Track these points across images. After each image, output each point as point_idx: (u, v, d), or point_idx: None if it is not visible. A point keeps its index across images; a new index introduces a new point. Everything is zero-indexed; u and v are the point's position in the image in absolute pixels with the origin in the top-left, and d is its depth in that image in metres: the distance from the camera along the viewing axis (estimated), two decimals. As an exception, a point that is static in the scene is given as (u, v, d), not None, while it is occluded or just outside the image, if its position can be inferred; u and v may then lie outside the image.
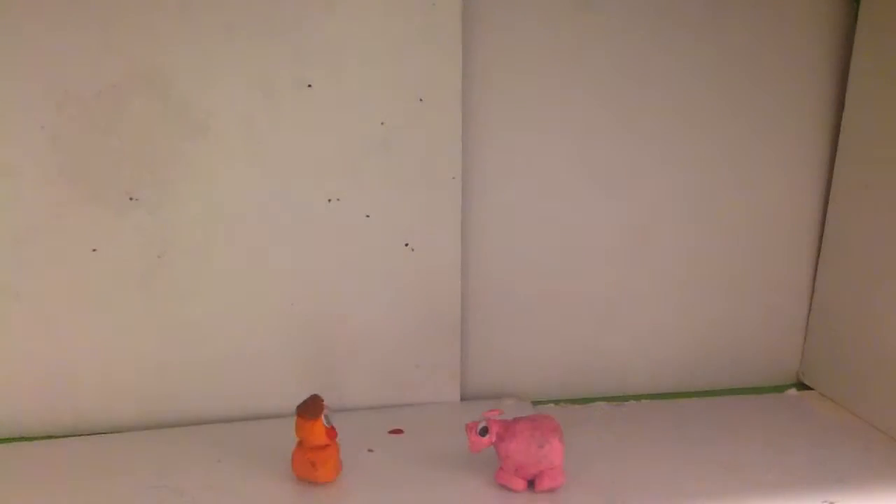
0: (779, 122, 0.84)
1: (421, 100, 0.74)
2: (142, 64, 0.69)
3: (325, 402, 0.64)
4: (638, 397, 0.87)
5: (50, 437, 0.74)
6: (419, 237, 0.77)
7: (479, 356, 0.83)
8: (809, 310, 0.89)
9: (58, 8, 0.66)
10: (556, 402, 0.85)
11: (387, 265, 0.77)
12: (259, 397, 0.78)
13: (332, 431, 0.63)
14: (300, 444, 0.64)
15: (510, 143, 0.78)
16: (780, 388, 0.89)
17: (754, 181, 0.85)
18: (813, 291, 0.88)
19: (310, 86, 0.72)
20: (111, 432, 0.75)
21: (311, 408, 0.63)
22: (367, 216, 0.76)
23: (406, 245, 0.77)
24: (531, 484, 0.64)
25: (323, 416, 0.63)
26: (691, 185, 0.83)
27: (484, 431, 0.63)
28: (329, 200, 0.75)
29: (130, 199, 0.71)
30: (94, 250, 0.72)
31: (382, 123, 0.74)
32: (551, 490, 0.64)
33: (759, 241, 0.87)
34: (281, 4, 0.69)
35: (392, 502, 0.63)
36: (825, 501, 0.64)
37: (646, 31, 0.78)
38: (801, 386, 0.90)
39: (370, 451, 0.71)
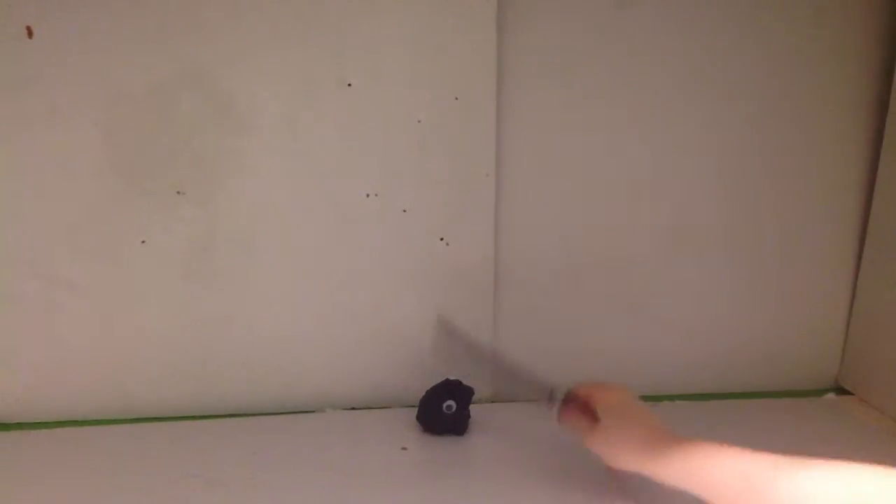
0: (820, 125, 0.83)
1: (457, 98, 0.75)
2: (190, 64, 0.72)
3: None
4: (672, 398, 0.86)
5: (99, 422, 0.78)
6: (454, 232, 0.78)
7: (510, 351, 0.83)
8: (850, 313, 0.88)
9: (111, 11, 0.70)
10: (590, 400, 0.85)
11: (422, 259, 0.79)
12: (297, 389, 0.81)
13: None
14: None
15: (544, 141, 0.79)
16: (818, 392, 0.88)
17: (795, 183, 0.84)
18: (854, 295, 0.87)
19: (350, 85, 0.74)
20: (157, 419, 0.78)
21: None
22: (404, 211, 0.77)
23: (441, 239, 0.78)
24: None
25: None
26: (729, 187, 0.83)
27: None
28: (367, 195, 0.77)
29: (178, 193, 0.74)
30: (142, 242, 0.75)
31: (419, 121, 0.75)
32: None
33: (800, 243, 0.86)
34: (323, 7, 0.72)
35: (426, 501, 0.64)
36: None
37: (682, 30, 0.79)
38: (840, 390, 0.88)
39: (404, 448, 0.72)
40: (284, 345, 0.79)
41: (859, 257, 0.86)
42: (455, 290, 0.80)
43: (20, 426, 0.76)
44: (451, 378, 0.76)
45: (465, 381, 0.76)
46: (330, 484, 0.66)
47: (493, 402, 0.83)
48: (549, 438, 0.74)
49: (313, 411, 0.80)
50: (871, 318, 0.85)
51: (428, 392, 0.76)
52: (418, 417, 0.76)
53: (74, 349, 0.77)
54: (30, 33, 0.69)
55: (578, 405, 0.64)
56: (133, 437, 0.75)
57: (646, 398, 0.85)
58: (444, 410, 0.74)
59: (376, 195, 0.77)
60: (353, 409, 0.82)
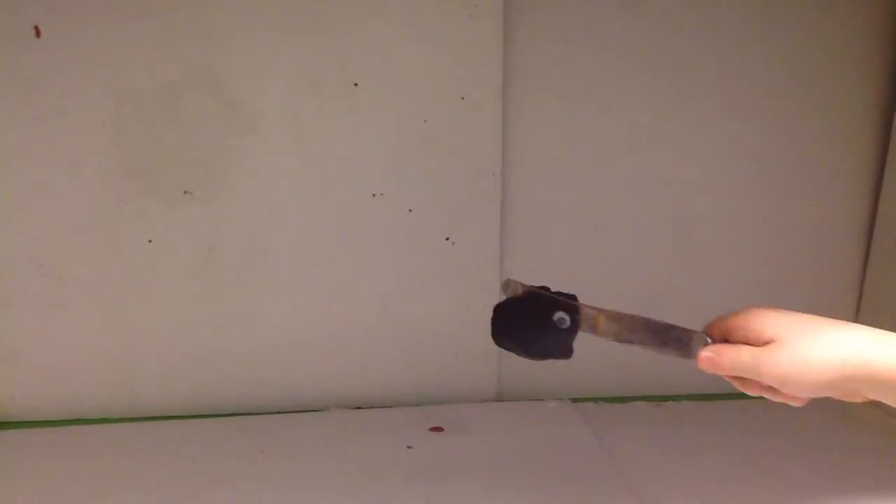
0: (829, 121, 0.83)
1: (462, 98, 0.75)
2: (197, 64, 0.72)
3: None
4: (678, 397, 0.86)
5: (104, 420, 0.78)
6: (460, 231, 0.78)
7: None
8: (857, 311, 0.87)
9: (119, 11, 0.70)
10: (595, 400, 0.85)
11: (428, 258, 0.79)
12: (302, 388, 0.81)
13: None
14: None
15: (550, 140, 0.79)
16: (824, 393, 0.87)
17: (801, 183, 0.84)
18: (861, 293, 0.87)
19: (356, 85, 0.74)
20: (164, 417, 0.79)
21: None
22: (410, 210, 0.77)
23: (447, 239, 0.79)
24: None
25: None
26: (734, 185, 0.83)
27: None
28: (373, 195, 0.77)
29: (185, 192, 0.74)
30: (149, 241, 0.75)
31: (425, 121, 0.76)
32: None
33: (806, 241, 0.86)
34: (329, 7, 0.72)
35: (432, 499, 0.64)
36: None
37: (688, 30, 0.78)
38: (847, 391, 0.88)
39: (409, 447, 0.72)
40: (290, 343, 0.79)
41: (866, 257, 0.86)
42: (461, 290, 0.80)
43: (25, 424, 0.77)
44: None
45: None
46: (336, 482, 0.66)
47: (497, 401, 0.83)
48: (553, 437, 0.75)
49: (319, 410, 0.81)
50: (876, 317, 0.84)
51: (515, 303, 0.54)
52: (506, 334, 0.53)
53: (80, 348, 0.77)
54: (38, 33, 0.69)
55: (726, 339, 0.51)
56: (138, 435, 0.75)
57: (651, 398, 0.86)
58: (555, 323, 0.53)
59: (382, 195, 0.77)
60: (359, 408, 0.82)
